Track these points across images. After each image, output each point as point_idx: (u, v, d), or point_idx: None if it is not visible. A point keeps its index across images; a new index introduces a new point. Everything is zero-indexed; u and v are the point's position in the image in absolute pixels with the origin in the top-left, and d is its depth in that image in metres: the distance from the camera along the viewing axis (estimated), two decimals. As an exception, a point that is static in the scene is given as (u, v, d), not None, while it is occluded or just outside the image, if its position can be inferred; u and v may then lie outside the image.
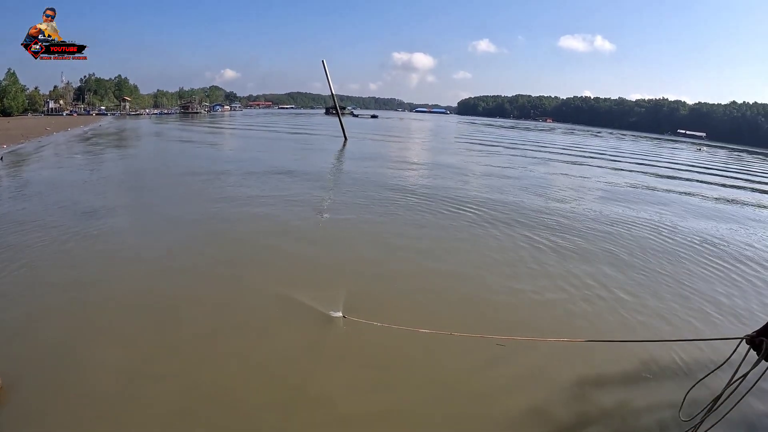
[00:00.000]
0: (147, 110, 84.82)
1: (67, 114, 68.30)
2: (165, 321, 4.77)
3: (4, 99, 61.61)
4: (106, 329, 4.58)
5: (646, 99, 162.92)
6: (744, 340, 2.53)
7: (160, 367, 3.97)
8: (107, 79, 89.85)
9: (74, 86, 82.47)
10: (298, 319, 4.89)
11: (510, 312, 5.39)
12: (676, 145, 69.26)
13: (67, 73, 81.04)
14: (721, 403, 2.54)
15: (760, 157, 56.79)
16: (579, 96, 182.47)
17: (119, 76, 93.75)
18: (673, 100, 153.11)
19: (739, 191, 19.15)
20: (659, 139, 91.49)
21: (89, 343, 4.32)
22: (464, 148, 31.87)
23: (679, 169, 26.93)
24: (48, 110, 68.64)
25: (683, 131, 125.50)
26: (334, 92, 32.84)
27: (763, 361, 2.41)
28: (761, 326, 2.49)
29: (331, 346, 4.48)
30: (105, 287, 5.55)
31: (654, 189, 16.88)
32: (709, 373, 2.72)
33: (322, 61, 29.61)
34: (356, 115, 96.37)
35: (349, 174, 16.31)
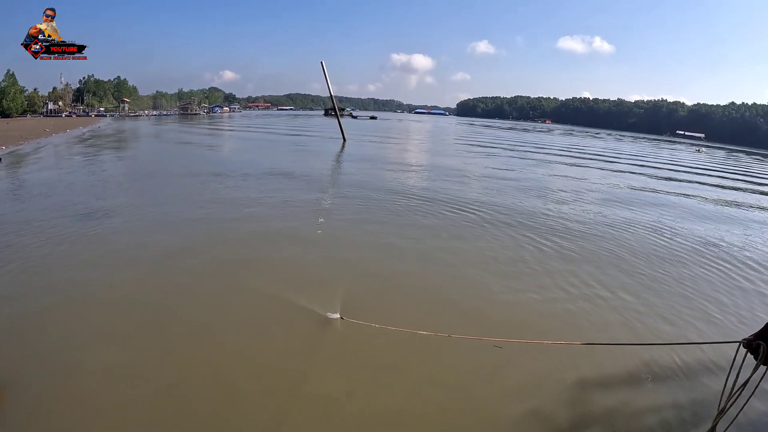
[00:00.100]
0: (146, 111, 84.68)
1: (66, 115, 68.18)
2: (162, 322, 4.74)
3: (3, 100, 61.51)
4: (104, 329, 4.56)
5: (645, 100, 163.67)
6: (741, 344, 2.48)
7: (158, 368, 3.94)
8: (106, 80, 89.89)
9: (73, 87, 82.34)
10: (296, 320, 4.86)
11: (509, 314, 5.35)
12: (675, 146, 69.38)
13: (66, 74, 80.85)
14: (728, 408, 2.50)
15: (758, 158, 56.91)
16: (578, 97, 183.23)
17: (118, 77, 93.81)
18: (672, 101, 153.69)
19: (738, 192, 19.17)
20: (658, 140, 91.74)
21: (87, 343, 4.31)
22: (463, 149, 31.87)
23: (678, 171, 26.96)
24: (47, 111, 68.56)
25: (682, 132, 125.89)
26: (333, 93, 32.83)
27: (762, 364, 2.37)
28: (759, 330, 2.43)
29: (329, 347, 4.45)
30: (102, 288, 5.52)
31: (654, 190, 16.89)
32: (733, 381, 2.55)
33: (321, 63, 29.62)
34: (355, 117, 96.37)
35: (348, 175, 16.30)
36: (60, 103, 74.69)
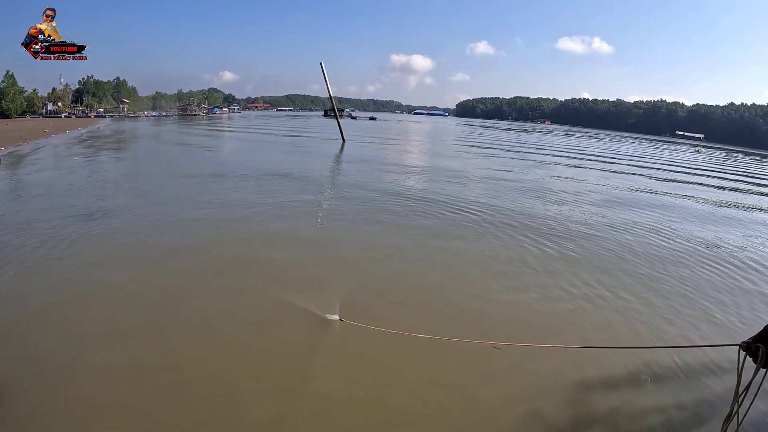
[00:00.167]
0: (145, 112, 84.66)
1: (65, 116, 68.15)
2: (162, 322, 4.74)
3: (3, 101, 61.50)
4: (104, 329, 4.56)
5: (645, 101, 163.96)
6: (740, 348, 2.46)
7: (158, 368, 3.94)
8: (106, 81, 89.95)
9: (72, 88, 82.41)
10: (295, 320, 4.85)
11: (509, 314, 5.34)
12: (675, 146, 69.42)
13: (66, 75, 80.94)
14: (736, 413, 2.49)
15: (757, 158, 56.97)
16: (577, 98, 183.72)
17: (118, 78, 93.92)
18: (671, 101, 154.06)
19: (737, 193, 19.18)
20: (658, 140, 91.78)
21: (87, 343, 4.30)
22: (463, 150, 31.86)
23: (678, 171, 26.99)
24: (46, 112, 68.54)
25: (681, 133, 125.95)
26: (332, 94, 32.83)
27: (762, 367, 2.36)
28: (758, 332, 2.41)
29: (328, 348, 4.44)
30: (102, 288, 5.51)
31: (654, 191, 16.90)
32: (736, 386, 2.54)
33: (321, 64, 29.62)
34: (354, 118, 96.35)
35: (348, 177, 16.29)
36: (59, 104, 74.66)
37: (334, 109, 36.02)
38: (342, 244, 7.69)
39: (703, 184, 20.85)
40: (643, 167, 27.48)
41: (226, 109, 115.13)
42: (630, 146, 57.28)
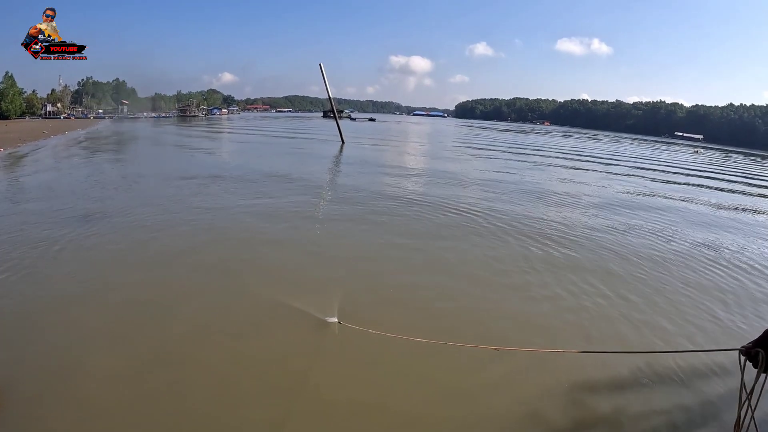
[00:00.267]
0: (145, 113, 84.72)
1: (64, 117, 68.22)
2: (159, 324, 4.72)
3: (2, 102, 61.46)
4: (104, 330, 4.54)
5: (644, 101, 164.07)
6: (740, 352, 2.43)
7: (158, 368, 3.93)
8: (105, 82, 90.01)
9: (72, 89, 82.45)
10: (294, 322, 4.84)
11: (509, 317, 5.32)
12: (674, 147, 69.51)
13: (65, 76, 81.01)
14: (744, 419, 2.47)
15: (756, 159, 57.05)
16: (576, 99, 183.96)
17: (117, 79, 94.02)
18: (670, 102, 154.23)
19: (736, 195, 19.21)
20: (657, 141, 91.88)
21: (86, 343, 4.30)
22: (462, 152, 31.87)
23: (677, 173, 27.02)
24: (46, 113, 68.57)
25: (680, 134, 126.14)
26: (331, 96, 32.81)
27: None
28: (757, 337, 2.38)
29: (327, 350, 4.43)
30: (102, 288, 5.49)
31: (653, 193, 16.91)
32: (749, 395, 2.47)
33: (320, 65, 29.64)
34: (354, 119, 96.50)
35: (347, 179, 16.28)
36: (59, 105, 74.72)
37: (333, 110, 36.01)
38: (341, 246, 7.67)
39: (702, 186, 20.89)
40: (643, 168, 27.51)
41: (225, 110, 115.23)
42: (629, 147, 57.34)
